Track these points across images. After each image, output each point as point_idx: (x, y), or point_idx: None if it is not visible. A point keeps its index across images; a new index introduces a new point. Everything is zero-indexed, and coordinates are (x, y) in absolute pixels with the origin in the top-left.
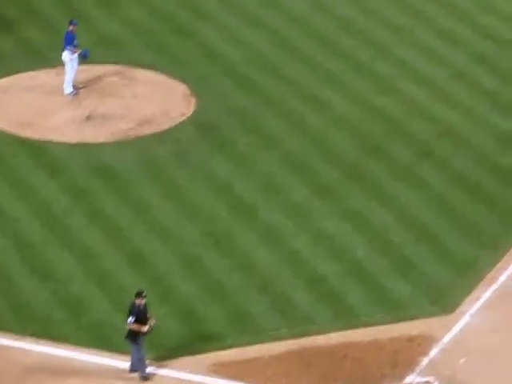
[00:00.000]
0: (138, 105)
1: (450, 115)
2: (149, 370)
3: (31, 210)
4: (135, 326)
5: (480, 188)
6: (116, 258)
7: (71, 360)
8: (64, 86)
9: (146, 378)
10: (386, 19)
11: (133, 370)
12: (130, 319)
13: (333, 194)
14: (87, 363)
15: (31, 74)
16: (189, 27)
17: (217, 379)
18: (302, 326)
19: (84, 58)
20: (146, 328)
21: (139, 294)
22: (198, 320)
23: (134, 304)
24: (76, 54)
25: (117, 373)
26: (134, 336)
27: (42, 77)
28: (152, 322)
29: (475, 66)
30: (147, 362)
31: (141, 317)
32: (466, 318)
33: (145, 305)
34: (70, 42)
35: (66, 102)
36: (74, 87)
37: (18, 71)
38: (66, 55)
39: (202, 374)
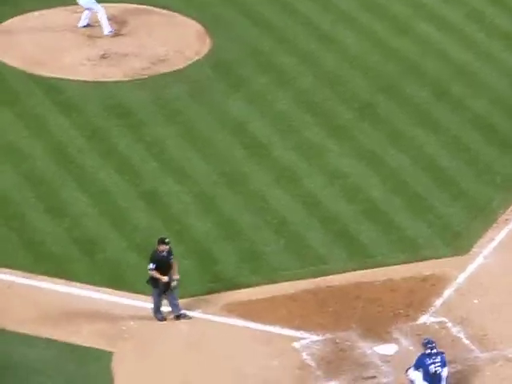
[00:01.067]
0: (153, 44)
1: (465, 55)
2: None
3: (46, 149)
4: (155, 273)
5: (495, 129)
6: (130, 196)
7: (84, 298)
8: (102, 25)
9: (178, 317)
10: None
11: (156, 314)
12: (151, 266)
13: (347, 134)
14: (100, 302)
15: (45, 12)
16: None
17: (230, 319)
18: (316, 266)
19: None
20: (165, 278)
21: (162, 241)
22: (211, 260)
23: (156, 250)
24: None
25: (130, 311)
26: (155, 281)
27: (55, 15)
28: (175, 276)
29: (491, 5)
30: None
31: (162, 264)
32: (479, 259)
33: (168, 252)
34: None
35: (81, 41)
36: (111, 25)
37: (31, 10)
38: None
39: (215, 314)
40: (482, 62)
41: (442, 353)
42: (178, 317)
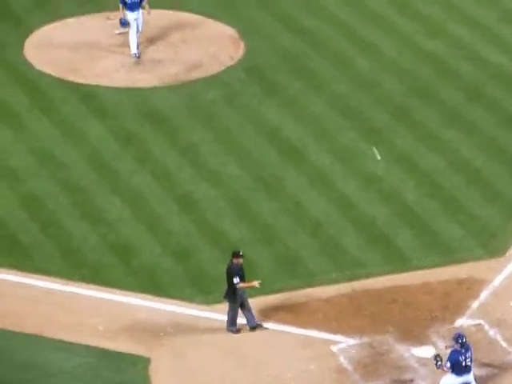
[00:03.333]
0: (187, 49)
1: (499, 57)
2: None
3: (81, 155)
4: (243, 284)
5: None
6: (165, 202)
7: (121, 304)
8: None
9: (254, 327)
10: None
11: (231, 327)
12: (236, 280)
13: (382, 137)
14: (137, 308)
15: (79, 18)
16: None
17: (267, 323)
18: (352, 269)
19: (122, 26)
20: (256, 283)
21: (237, 254)
22: (247, 264)
23: (233, 264)
24: (136, 14)
25: (167, 317)
26: (233, 296)
27: (90, 22)
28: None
29: None
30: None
31: (242, 276)
32: None
33: (241, 264)
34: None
35: (115, 47)
36: (138, 47)
37: (66, 16)
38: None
39: None
40: None
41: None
42: (254, 328)
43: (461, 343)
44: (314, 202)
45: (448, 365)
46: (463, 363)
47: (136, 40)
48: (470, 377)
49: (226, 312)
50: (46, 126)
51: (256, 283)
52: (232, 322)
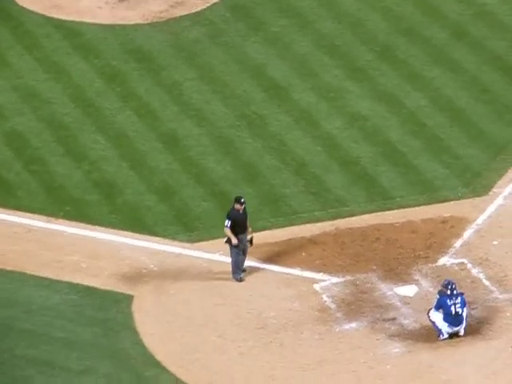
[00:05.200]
0: None
1: None
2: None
3: (65, 93)
4: (229, 232)
5: None
6: (149, 139)
7: (104, 242)
8: None
9: (239, 280)
10: None
11: (235, 275)
12: (227, 222)
13: (366, 76)
14: (120, 245)
15: None
16: None
17: (249, 261)
18: (336, 208)
19: None
20: (235, 241)
21: (238, 200)
22: (231, 202)
23: (232, 208)
24: None
25: (150, 254)
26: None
27: None
28: (250, 235)
29: None
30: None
31: (238, 222)
32: (499, 200)
33: (244, 211)
34: None
35: None
36: None
37: None
38: None
39: None
40: (502, 2)
41: (462, 293)
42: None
43: (450, 289)
44: (297, 141)
45: (433, 310)
46: (452, 309)
47: None
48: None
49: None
50: (29, 63)
51: (234, 241)
52: (235, 268)
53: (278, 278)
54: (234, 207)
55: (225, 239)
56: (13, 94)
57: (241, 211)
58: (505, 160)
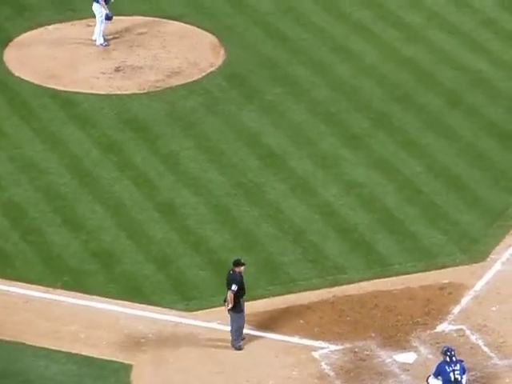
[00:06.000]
0: (167, 56)
1: (479, 63)
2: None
3: (62, 163)
4: (230, 296)
5: (510, 136)
6: (146, 209)
7: (102, 311)
8: (95, 37)
9: (239, 348)
10: None
11: (236, 342)
12: (234, 287)
13: (362, 143)
14: (118, 314)
15: (59, 26)
16: None
17: (248, 330)
18: (334, 275)
19: (107, 20)
20: (230, 306)
21: (239, 262)
22: (227, 271)
23: (234, 272)
24: (105, 8)
25: (148, 323)
26: (239, 305)
27: (70, 29)
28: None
29: (503, 12)
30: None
31: (242, 285)
32: (497, 266)
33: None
34: None
35: (95, 54)
36: (105, 39)
37: (46, 23)
38: (96, 6)
39: None
40: (497, 69)
41: (462, 360)
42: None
43: (449, 356)
44: (294, 209)
45: (431, 377)
46: (451, 376)
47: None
48: None
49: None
50: (26, 134)
51: (230, 305)
52: (238, 335)
53: (277, 345)
54: (234, 271)
55: (228, 306)
56: (9, 164)
57: (242, 273)
58: (502, 226)
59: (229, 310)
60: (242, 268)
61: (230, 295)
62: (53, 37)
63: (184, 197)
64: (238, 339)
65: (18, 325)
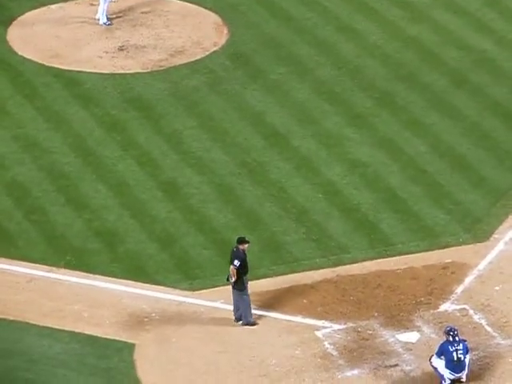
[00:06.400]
0: (170, 35)
1: (483, 43)
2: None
3: (65, 142)
4: (235, 271)
5: None
6: (150, 188)
7: (106, 290)
8: (98, 16)
9: (253, 323)
10: None
11: (250, 318)
12: (237, 262)
13: (366, 123)
14: (122, 293)
15: (62, 5)
16: None
17: (251, 309)
18: (337, 255)
19: None
20: (233, 278)
21: (243, 240)
22: (231, 250)
23: (237, 250)
24: None
25: (152, 302)
26: (242, 282)
27: (73, 8)
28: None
29: None
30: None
31: (245, 263)
32: (500, 246)
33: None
34: None
35: (98, 33)
36: (108, 18)
37: (49, 2)
38: None
39: None
40: (501, 49)
41: (465, 340)
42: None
43: (452, 336)
44: (298, 188)
45: (434, 357)
46: (454, 355)
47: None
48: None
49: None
50: (30, 113)
51: (233, 278)
52: (249, 311)
53: (280, 325)
54: (238, 248)
55: (231, 279)
56: (13, 143)
57: (246, 251)
58: (505, 206)
59: (233, 286)
60: (246, 246)
61: (232, 269)
62: (56, 16)
63: (187, 176)
64: (250, 315)
65: (22, 304)
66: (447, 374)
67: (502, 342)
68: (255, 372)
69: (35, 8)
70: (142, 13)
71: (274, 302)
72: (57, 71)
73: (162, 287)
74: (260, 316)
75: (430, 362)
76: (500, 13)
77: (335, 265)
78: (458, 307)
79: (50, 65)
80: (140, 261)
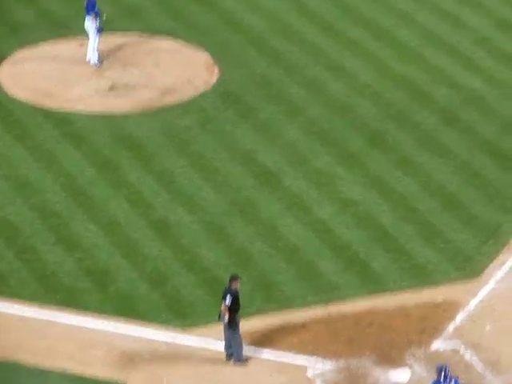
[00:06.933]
0: (161, 74)
1: (473, 81)
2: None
3: (56, 181)
4: (227, 311)
5: (505, 154)
6: (141, 227)
7: (96, 330)
8: (88, 58)
9: (244, 362)
10: None
11: (242, 356)
12: (228, 300)
13: (357, 162)
14: (113, 333)
15: (53, 44)
16: None
17: (243, 347)
18: (328, 293)
19: (99, 32)
20: (226, 317)
21: (235, 277)
22: (223, 288)
23: (230, 288)
24: (97, 22)
25: (143, 342)
26: (235, 321)
27: (63, 47)
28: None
29: (498, 31)
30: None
31: (238, 300)
32: (491, 284)
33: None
34: (91, 9)
35: (89, 73)
36: (99, 56)
37: (39, 42)
38: (88, 22)
39: None
40: (491, 87)
41: (457, 377)
42: (232, 356)
43: (444, 375)
44: (289, 227)
45: None
46: None
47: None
48: None
49: (224, 343)
50: (20, 153)
51: (226, 316)
52: (241, 350)
53: (271, 364)
54: (231, 287)
55: (224, 319)
56: (4, 183)
57: (238, 289)
58: (496, 244)
59: (225, 326)
60: (238, 283)
61: (223, 308)
62: (46, 55)
63: (179, 215)
64: (241, 354)
65: (12, 343)
66: None
67: (494, 379)
68: None
69: (25, 47)
70: (132, 52)
71: (265, 340)
72: (47, 110)
73: (153, 326)
74: (251, 355)
75: None
76: (489, 51)
77: (326, 303)
78: (450, 345)
79: (41, 104)
80: (131, 300)
